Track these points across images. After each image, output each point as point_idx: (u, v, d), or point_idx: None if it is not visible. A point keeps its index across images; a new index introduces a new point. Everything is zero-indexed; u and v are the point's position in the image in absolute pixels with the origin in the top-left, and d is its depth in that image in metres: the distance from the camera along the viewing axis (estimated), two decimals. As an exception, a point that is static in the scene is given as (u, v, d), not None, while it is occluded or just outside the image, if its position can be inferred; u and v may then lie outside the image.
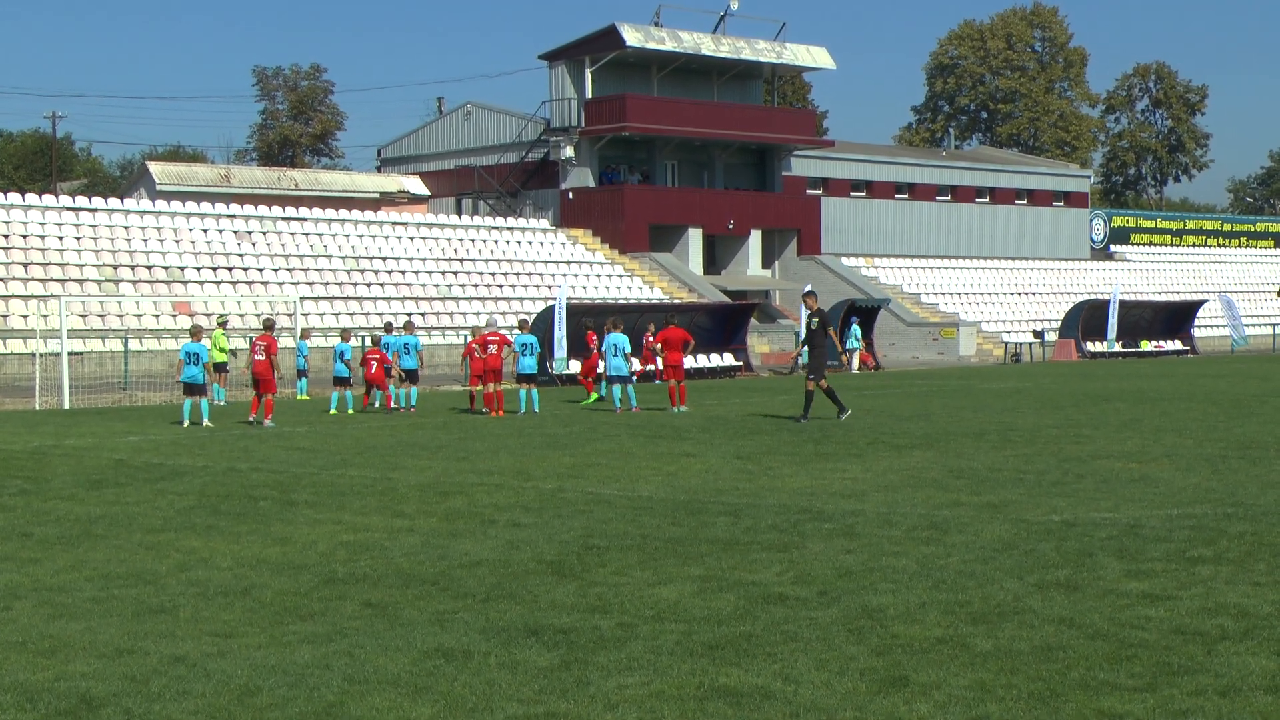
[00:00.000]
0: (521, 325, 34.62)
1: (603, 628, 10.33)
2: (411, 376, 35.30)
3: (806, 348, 30.26)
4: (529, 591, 11.72)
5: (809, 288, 32.72)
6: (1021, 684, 8.68)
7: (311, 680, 8.95)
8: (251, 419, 30.75)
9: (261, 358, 31.45)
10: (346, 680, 8.95)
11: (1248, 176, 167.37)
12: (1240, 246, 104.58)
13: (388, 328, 39.23)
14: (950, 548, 13.50)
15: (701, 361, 51.96)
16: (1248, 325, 79.74)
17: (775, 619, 10.55)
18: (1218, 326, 78.16)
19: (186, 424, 30.34)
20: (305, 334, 42.65)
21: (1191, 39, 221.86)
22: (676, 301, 61.47)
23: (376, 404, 35.41)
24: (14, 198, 57.95)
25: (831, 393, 29.30)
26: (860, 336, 58.78)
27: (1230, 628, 10.08)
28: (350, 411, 34.57)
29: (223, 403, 36.23)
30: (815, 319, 29.77)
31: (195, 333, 32.84)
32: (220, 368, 37.08)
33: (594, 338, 38.86)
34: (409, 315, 50.47)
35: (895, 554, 13.19)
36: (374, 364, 35.08)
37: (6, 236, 53.66)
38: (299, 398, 39.63)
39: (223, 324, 39.35)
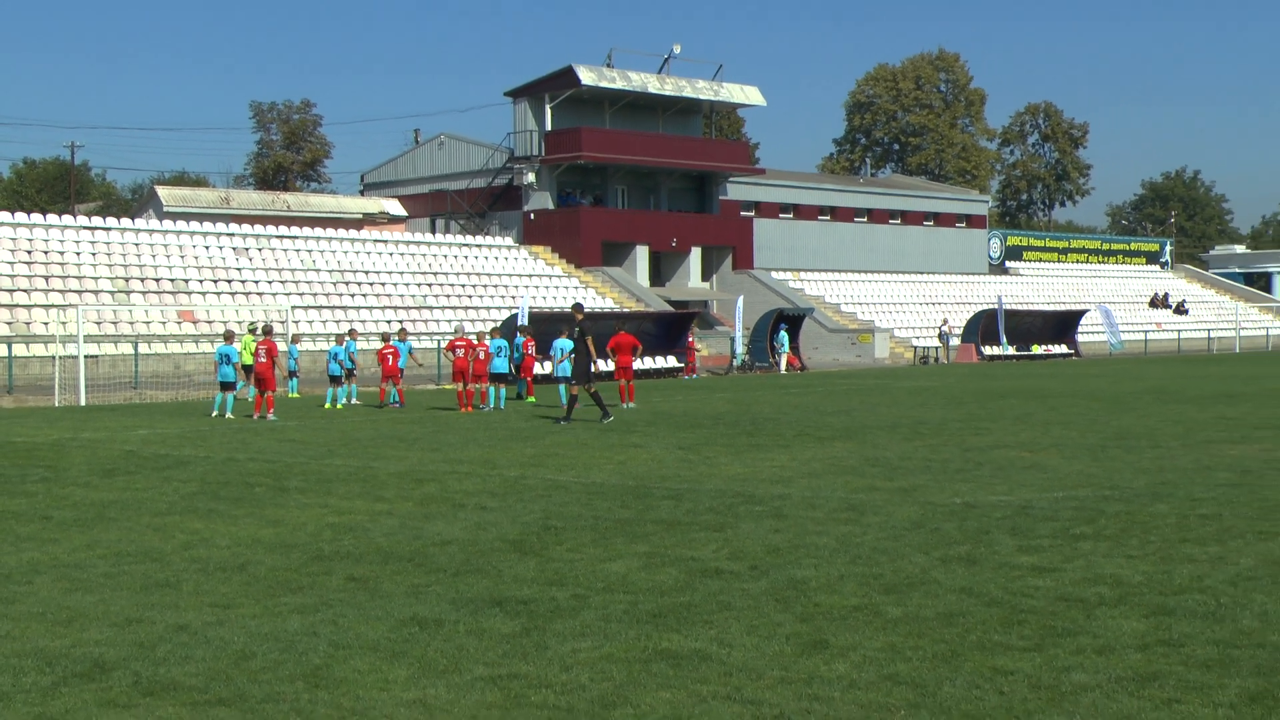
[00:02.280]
0: (493, 332, 34.49)
1: (559, 598, 10.31)
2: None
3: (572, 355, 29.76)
4: (494, 567, 11.69)
5: (578, 301, 31.91)
6: (927, 646, 8.72)
7: (301, 646, 8.91)
8: (255, 416, 30.65)
9: (263, 360, 31.40)
10: (332, 646, 8.91)
11: (1123, 202, 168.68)
12: (1117, 263, 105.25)
13: (402, 333, 39.17)
14: (866, 527, 13.54)
15: (648, 364, 51.98)
16: (1123, 332, 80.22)
17: (712, 590, 10.56)
18: (1098, 333, 78.62)
19: (214, 414, 30.76)
20: (296, 339, 42.50)
21: (1075, 82, 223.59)
22: (626, 310, 61.40)
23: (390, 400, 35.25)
24: (36, 218, 57.43)
25: (597, 397, 28.67)
26: (788, 342, 58.97)
27: (1107, 595, 10.15)
28: (339, 406, 34.67)
29: (248, 398, 36.14)
30: (579, 330, 29.62)
31: (228, 337, 32.97)
32: (248, 368, 36.83)
33: (532, 343, 38.48)
34: (401, 323, 50.32)
35: (818, 533, 13.22)
36: (390, 359, 35.32)
37: (30, 252, 53.25)
38: (290, 395, 39.46)
39: (252, 330, 39.06)
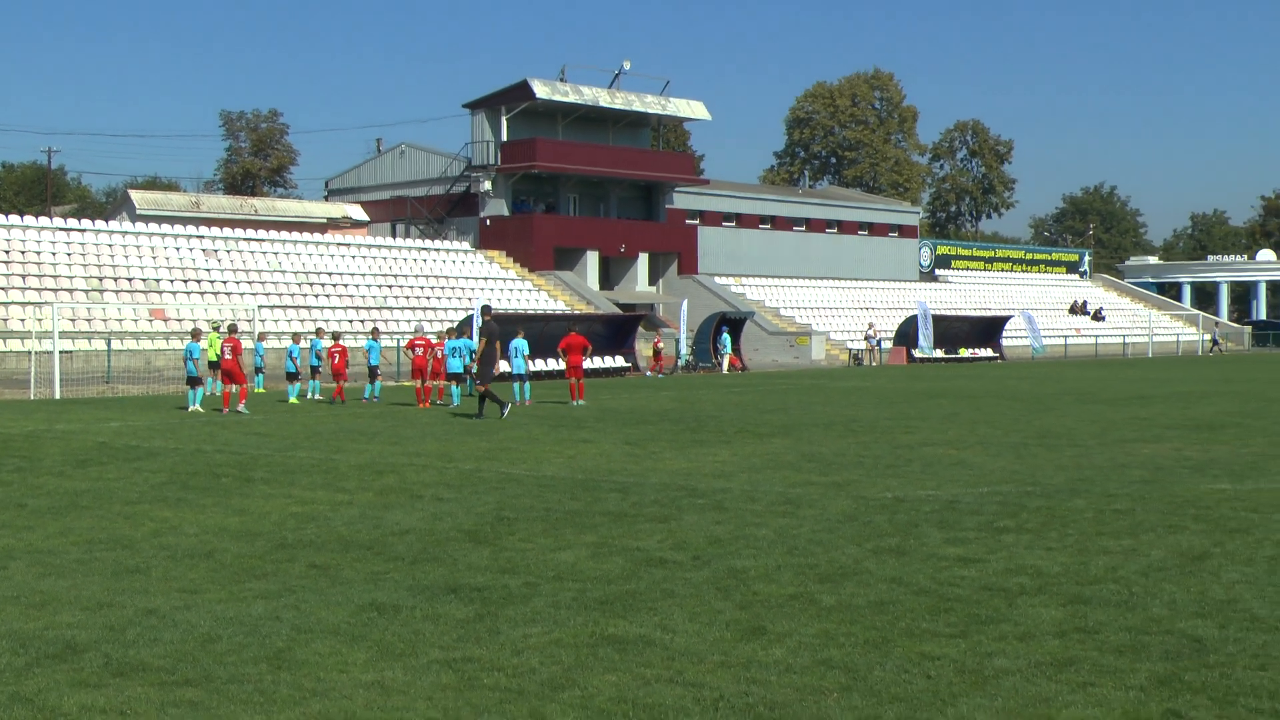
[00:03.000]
0: (449, 332, 34.28)
1: (511, 586, 10.29)
2: (372, 373, 35.60)
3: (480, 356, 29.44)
4: (450, 555, 11.65)
5: (485, 303, 31.25)
6: (859, 632, 8.75)
7: (264, 630, 8.86)
8: (225, 410, 30.39)
9: (228, 356, 31.18)
10: (294, 630, 8.86)
11: (1045, 215, 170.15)
12: (1040, 272, 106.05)
13: (374, 332, 38.93)
14: (802, 520, 13.58)
15: (597, 363, 51.91)
16: (1044, 337, 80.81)
17: (656, 579, 10.56)
18: (1021, 337, 79.15)
19: (190, 409, 30.54)
20: (262, 336, 42.21)
21: (1001, 101, 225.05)
22: (576, 312, 61.33)
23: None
24: (14, 219, 56.77)
25: (492, 395, 28.40)
26: (730, 343, 59.05)
27: (1028, 585, 10.22)
28: (294, 400, 34.46)
29: (215, 393, 35.83)
30: (483, 333, 29.49)
31: (195, 334, 32.72)
32: (214, 365, 36.46)
33: (442, 344, 36.92)
34: (375, 324, 50.01)
35: (757, 525, 13.25)
36: (337, 357, 35.08)
37: (8, 253, 52.66)
38: (255, 390, 39.16)
39: (216, 328, 38.72)
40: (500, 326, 33.26)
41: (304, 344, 37.17)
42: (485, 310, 29.83)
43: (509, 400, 29.82)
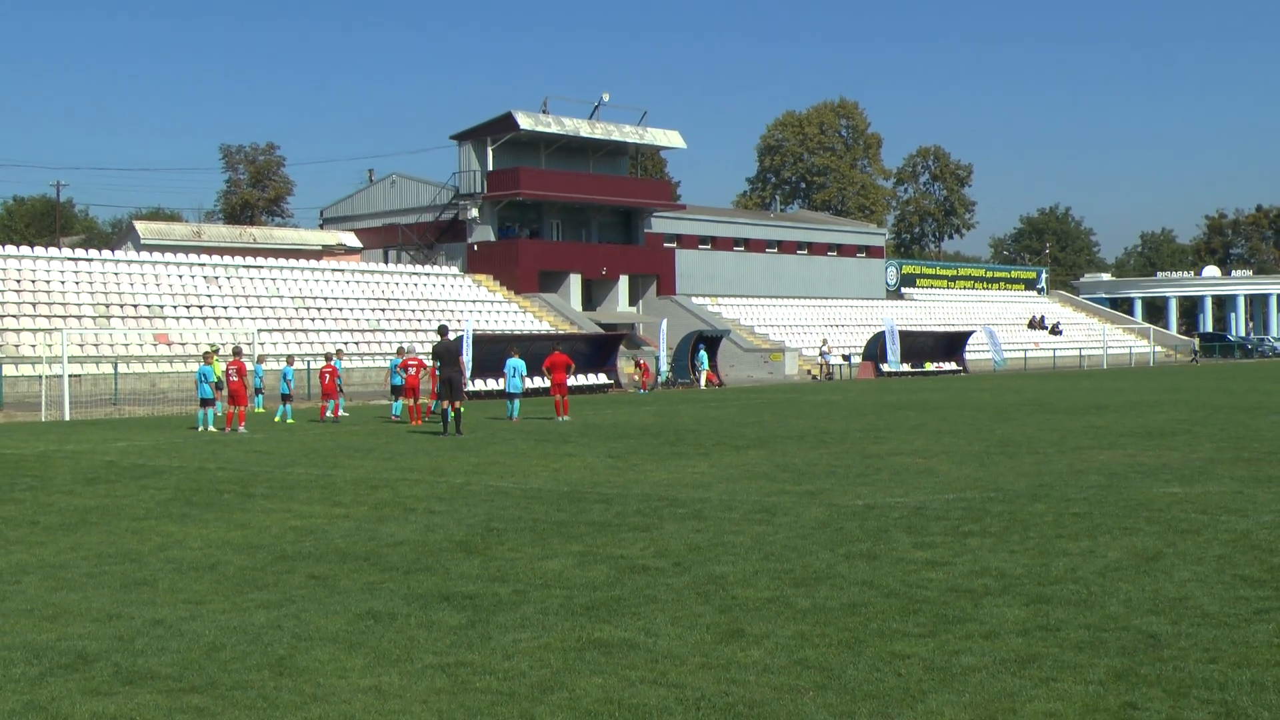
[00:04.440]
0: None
1: (501, 593, 10.28)
2: (284, 397, 35.05)
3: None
4: (442, 565, 11.63)
5: (443, 324, 30.67)
6: (833, 633, 8.75)
7: (266, 638, 8.83)
8: (227, 430, 30.25)
9: (234, 378, 31.04)
10: (294, 638, 8.83)
11: (1004, 234, 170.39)
12: (1000, 289, 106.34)
13: (338, 353, 38.71)
14: (777, 527, 13.58)
15: (581, 380, 51.90)
16: (1005, 350, 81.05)
17: (639, 585, 10.55)
18: (983, 351, 79.33)
19: (200, 429, 30.38)
20: (261, 359, 42.10)
21: (961, 128, 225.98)
22: (561, 332, 61.31)
23: (433, 408, 33.60)
24: (25, 250, 56.54)
25: (444, 414, 28.33)
26: (707, 360, 59.07)
27: (992, 586, 10.23)
28: (289, 420, 34.11)
29: (222, 413, 35.57)
30: (433, 354, 29.35)
31: (206, 357, 32.52)
32: (220, 386, 36.18)
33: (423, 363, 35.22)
34: (338, 346, 49.74)
35: (734, 532, 13.24)
36: (327, 377, 34.87)
37: (19, 281, 52.46)
38: (255, 410, 39.04)
39: (216, 350, 38.56)
40: (492, 346, 33.15)
41: (298, 365, 36.85)
42: (442, 330, 29.49)
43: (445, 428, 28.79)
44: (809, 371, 68.70)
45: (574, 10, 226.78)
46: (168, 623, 9.36)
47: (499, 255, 70.73)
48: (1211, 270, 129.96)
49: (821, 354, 69.21)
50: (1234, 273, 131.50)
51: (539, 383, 44.87)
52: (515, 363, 33.72)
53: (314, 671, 7.98)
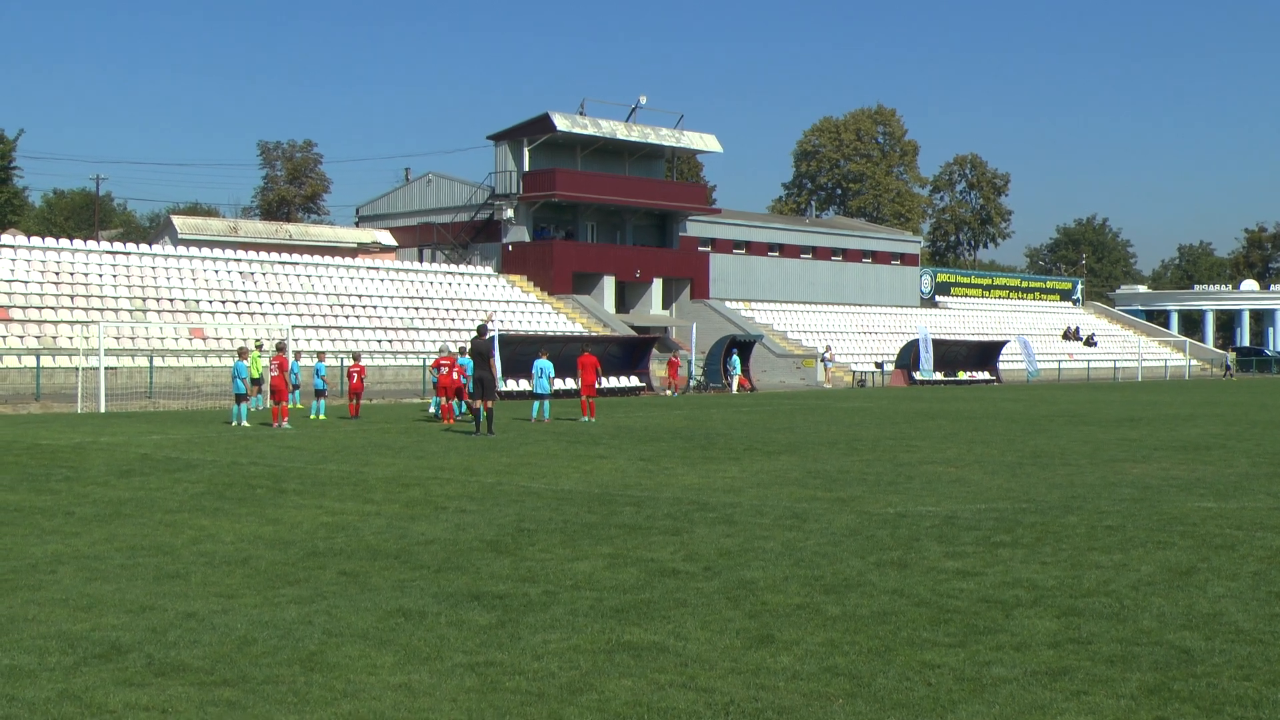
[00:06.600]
0: (461, 351, 34.12)
1: (531, 594, 10.29)
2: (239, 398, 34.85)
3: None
4: (473, 564, 11.65)
5: (483, 324, 30.54)
6: (863, 641, 8.73)
7: (297, 633, 8.87)
8: (275, 425, 30.33)
9: (276, 373, 31.18)
10: (325, 634, 8.86)
11: (1040, 245, 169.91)
12: (1035, 299, 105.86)
13: (441, 350, 38.78)
14: (808, 533, 13.55)
15: (612, 383, 51.96)
16: (1039, 361, 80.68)
17: (669, 588, 10.54)
18: (1017, 361, 79.00)
19: (233, 424, 30.52)
20: (297, 355, 42.26)
21: (998, 137, 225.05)
22: (593, 334, 61.36)
23: (459, 411, 33.71)
24: (64, 243, 56.98)
25: (475, 413, 28.41)
26: (739, 365, 59.02)
27: (1023, 597, 10.18)
28: (323, 417, 34.29)
29: (259, 408, 35.81)
30: (471, 353, 29.38)
31: (242, 353, 32.69)
32: (257, 381, 36.40)
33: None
34: (243, 343, 49.60)
35: (765, 538, 13.22)
36: (355, 376, 35.03)
37: (58, 274, 52.89)
38: (296, 406, 39.22)
39: (258, 345, 38.73)
40: (521, 347, 33.17)
41: (330, 362, 37.06)
42: (480, 330, 29.53)
43: (479, 428, 28.80)
44: (859, 378, 68.35)
45: (612, 13, 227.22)
46: (200, 615, 9.41)
47: (533, 256, 70.87)
48: (1250, 284, 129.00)
49: (823, 359, 68.98)
50: (1272, 286, 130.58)
51: (569, 384, 44.97)
52: (543, 364, 33.76)
53: (344, 668, 8.00)
